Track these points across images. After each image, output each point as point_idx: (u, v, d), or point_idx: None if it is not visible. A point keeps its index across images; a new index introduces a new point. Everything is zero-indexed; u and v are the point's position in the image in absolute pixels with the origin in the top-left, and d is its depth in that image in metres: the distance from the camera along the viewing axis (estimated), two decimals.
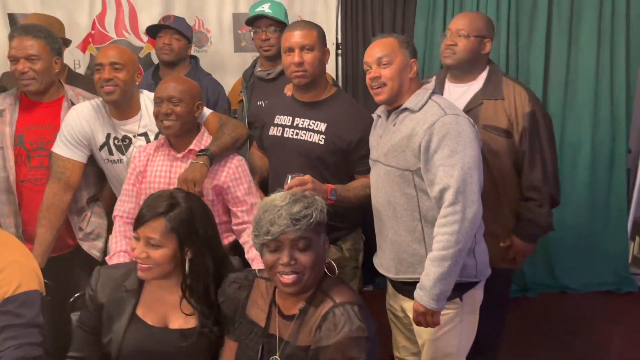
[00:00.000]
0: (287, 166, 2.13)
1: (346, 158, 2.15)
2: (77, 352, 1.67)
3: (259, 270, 1.64)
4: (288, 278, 1.43)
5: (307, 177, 1.93)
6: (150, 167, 2.09)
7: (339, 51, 3.53)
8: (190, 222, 1.59)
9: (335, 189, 2.01)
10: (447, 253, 1.70)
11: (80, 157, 2.22)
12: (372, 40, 1.99)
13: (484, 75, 2.29)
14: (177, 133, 2.01)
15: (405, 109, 1.88)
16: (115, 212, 2.15)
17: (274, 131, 2.24)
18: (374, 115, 2.12)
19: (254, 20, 2.64)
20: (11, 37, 2.24)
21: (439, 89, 2.10)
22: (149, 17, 3.45)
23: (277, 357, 1.48)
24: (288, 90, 2.34)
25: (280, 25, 2.61)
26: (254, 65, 2.78)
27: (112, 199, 2.46)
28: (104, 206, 2.45)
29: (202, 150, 1.99)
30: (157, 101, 2.00)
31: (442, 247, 1.71)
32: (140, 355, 1.59)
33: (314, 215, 1.44)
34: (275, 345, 1.49)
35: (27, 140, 2.28)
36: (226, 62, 3.55)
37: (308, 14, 3.47)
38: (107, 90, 2.10)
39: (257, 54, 2.83)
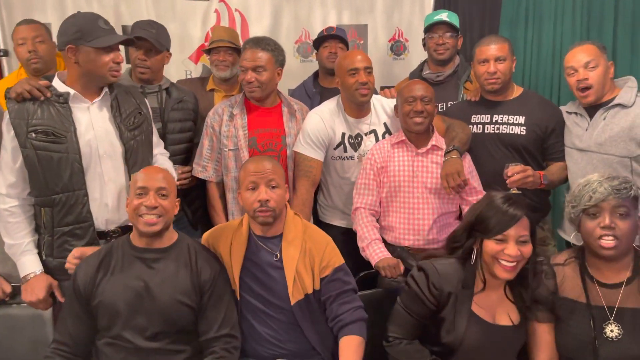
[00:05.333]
0: (491, 158, 2.49)
1: (542, 145, 2.51)
2: (399, 328, 1.90)
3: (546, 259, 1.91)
4: (608, 242, 1.71)
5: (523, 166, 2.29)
6: (392, 163, 2.35)
7: None
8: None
9: (546, 174, 2.38)
10: None
11: (321, 156, 2.46)
12: (570, 47, 2.38)
13: None
14: (425, 129, 2.30)
15: (617, 105, 2.27)
16: (357, 205, 2.39)
17: (473, 129, 2.56)
18: (563, 111, 2.51)
19: (432, 27, 2.93)
20: (243, 48, 2.43)
21: None
22: (259, 28, 3.65)
23: (611, 321, 1.76)
24: (473, 97, 2.67)
25: (455, 32, 2.93)
26: (420, 69, 3.07)
27: None
28: None
29: (450, 147, 2.28)
30: (411, 100, 2.27)
31: None
32: (478, 348, 1.82)
33: (633, 189, 1.74)
34: (604, 313, 1.78)
35: (259, 143, 2.48)
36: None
37: (406, 25, 3.81)
38: (364, 92, 2.36)
39: None
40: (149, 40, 2.58)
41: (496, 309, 1.85)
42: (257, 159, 2.02)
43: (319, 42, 3.11)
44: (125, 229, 2.17)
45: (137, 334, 1.85)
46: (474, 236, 1.83)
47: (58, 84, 2.11)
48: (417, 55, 3.81)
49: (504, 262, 1.75)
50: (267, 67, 2.44)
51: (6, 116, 2.07)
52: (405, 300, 1.90)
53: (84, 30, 2.03)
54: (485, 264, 1.81)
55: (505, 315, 1.85)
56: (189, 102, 2.73)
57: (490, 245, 1.77)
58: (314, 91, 3.03)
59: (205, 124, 2.60)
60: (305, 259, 1.95)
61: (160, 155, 2.39)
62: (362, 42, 3.75)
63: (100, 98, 2.15)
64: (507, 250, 1.74)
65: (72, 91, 2.09)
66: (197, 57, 3.67)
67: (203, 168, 2.60)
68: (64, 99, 2.07)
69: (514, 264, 1.75)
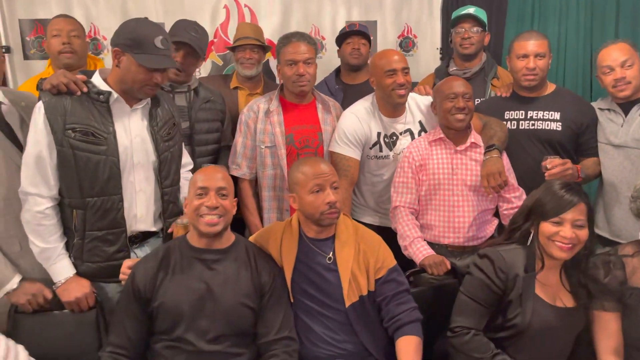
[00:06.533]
0: (525, 154, 2.51)
1: (577, 140, 2.54)
2: (465, 318, 1.88)
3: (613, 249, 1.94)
4: None
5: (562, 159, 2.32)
6: (430, 160, 2.35)
7: (440, 55, 3.92)
8: None
9: (582, 168, 2.41)
10: None
11: (359, 155, 2.45)
12: (602, 46, 2.42)
13: None
14: (466, 126, 2.31)
15: None
16: (396, 203, 2.38)
17: (506, 125, 2.57)
18: (595, 108, 2.55)
19: (459, 21, 2.92)
20: (286, 42, 2.39)
21: None
22: (269, 24, 3.61)
23: None
24: (504, 92, 2.68)
25: (482, 27, 2.92)
26: (447, 64, 3.05)
27: None
28: None
29: (490, 145, 2.29)
30: (452, 96, 2.27)
31: None
32: (545, 330, 1.84)
33: None
34: None
35: (296, 139, 2.45)
36: None
37: (414, 21, 3.82)
38: (402, 93, 2.35)
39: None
40: (191, 44, 2.47)
41: (556, 292, 1.88)
42: (311, 160, 1.99)
43: (342, 38, 3.10)
44: (146, 234, 2.15)
45: (199, 336, 1.81)
46: (531, 220, 1.88)
47: (99, 82, 2.02)
48: (425, 51, 3.84)
49: (559, 243, 1.80)
50: (314, 60, 2.45)
51: (40, 109, 1.95)
52: (470, 289, 1.91)
53: (137, 41, 1.94)
54: (541, 246, 1.86)
55: (565, 298, 1.89)
56: (217, 103, 2.68)
57: (546, 227, 1.82)
58: (337, 88, 3.02)
59: (240, 120, 2.56)
60: (359, 260, 1.94)
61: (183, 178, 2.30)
62: (371, 38, 3.74)
63: (142, 106, 2.08)
64: (562, 233, 1.79)
65: (115, 94, 2.00)
66: (207, 54, 3.60)
67: (237, 165, 2.57)
68: (105, 97, 1.99)
69: (570, 245, 1.79)
